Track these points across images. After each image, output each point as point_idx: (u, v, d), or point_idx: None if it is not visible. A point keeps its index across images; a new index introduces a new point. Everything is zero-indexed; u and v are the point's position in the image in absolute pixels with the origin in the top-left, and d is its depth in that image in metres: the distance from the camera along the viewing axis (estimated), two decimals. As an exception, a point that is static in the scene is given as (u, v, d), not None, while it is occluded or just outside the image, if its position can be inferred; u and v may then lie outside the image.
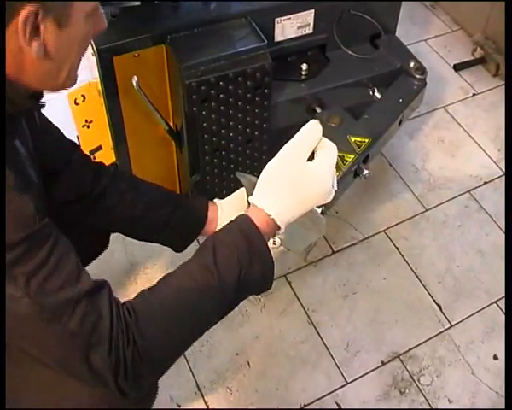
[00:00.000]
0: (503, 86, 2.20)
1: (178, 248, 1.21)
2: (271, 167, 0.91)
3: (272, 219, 0.89)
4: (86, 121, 1.53)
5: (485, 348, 1.56)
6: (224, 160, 1.47)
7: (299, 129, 0.92)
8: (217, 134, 1.40)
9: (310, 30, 1.52)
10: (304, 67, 1.57)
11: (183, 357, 1.49)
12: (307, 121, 0.92)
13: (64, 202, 1.11)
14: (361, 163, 1.44)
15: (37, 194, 0.82)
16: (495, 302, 1.64)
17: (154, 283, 0.87)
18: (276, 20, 1.45)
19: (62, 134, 1.14)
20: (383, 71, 1.65)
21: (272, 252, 0.90)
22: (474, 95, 2.21)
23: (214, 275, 0.84)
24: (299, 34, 1.52)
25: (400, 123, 1.63)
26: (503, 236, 1.77)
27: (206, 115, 1.35)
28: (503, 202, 1.78)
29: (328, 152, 0.92)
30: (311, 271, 1.69)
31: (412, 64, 1.66)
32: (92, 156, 1.50)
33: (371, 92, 1.64)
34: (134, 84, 1.29)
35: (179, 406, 1.44)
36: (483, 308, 1.64)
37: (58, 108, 1.26)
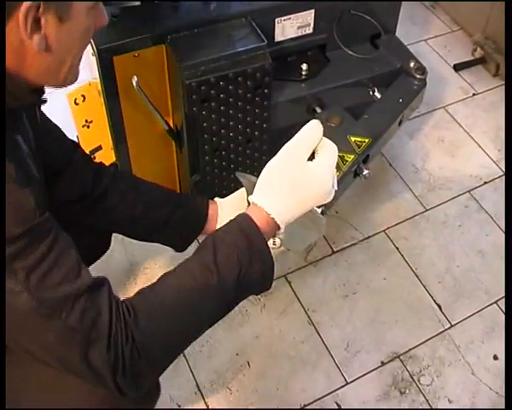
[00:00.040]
0: (503, 86, 2.20)
1: (179, 247, 1.21)
2: (271, 167, 0.91)
3: (272, 218, 0.89)
4: (86, 121, 1.54)
5: (485, 348, 1.56)
6: (224, 160, 1.47)
7: (299, 129, 0.92)
8: (217, 134, 1.40)
9: (310, 30, 1.53)
10: (304, 67, 1.57)
11: (183, 357, 1.49)
12: (307, 121, 0.92)
13: (64, 202, 1.11)
14: (361, 163, 1.44)
15: (38, 188, 0.81)
16: (495, 302, 1.64)
17: (153, 282, 0.87)
18: (276, 20, 1.45)
19: (64, 134, 1.14)
20: (383, 71, 1.65)
21: (272, 252, 0.90)
22: (474, 95, 2.21)
23: (214, 274, 0.84)
24: (300, 34, 1.52)
25: (400, 123, 1.63)
26: (503, 236, 1.77)
27: (206, 115, 1.35)
28: (503, 202, 1.78)
29: (329, 152, 0.92)
30: (311, 271, 1.69)
31: (412, 64, 1.66)
32: (92, 156, 1.50)
33: (371, 92, 1.64)
34: (134, 84, 1.29)
35: (179, 406, 1.44)
36: (483, 308, 1.63)
37: (58, 108, 1.26)
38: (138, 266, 1.67)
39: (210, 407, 1.44)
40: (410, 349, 1.55)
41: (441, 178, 1.93)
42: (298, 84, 1.58)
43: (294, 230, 1.00)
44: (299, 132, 0.91)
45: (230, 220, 0.90)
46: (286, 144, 0.91)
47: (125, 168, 1.50)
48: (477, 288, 1.68)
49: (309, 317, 1.59)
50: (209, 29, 1.35)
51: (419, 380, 1.50)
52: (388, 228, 1.80)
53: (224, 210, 1.17)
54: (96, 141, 1.53)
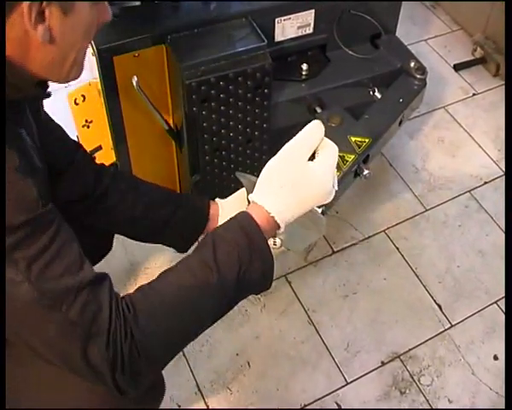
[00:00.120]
0: (503, 86, 2.20)
1: (181, 248, 1.20)
2: (272, 166, 0.90)
3: (272, 217, 0.89)
4: (86, 121, 1.54)
5: (486, 349, 1.56)
6: (224, 160, 1.47)
7: (299, 129, 0.92)
8: (217, 134, 1.40)
9: (310, 30, 1.53)
10: (304, 67, 1.57)
11: (183, 357, 1.49)
12: (307, 121, 0.92)
13: (66, 203, 1.10)
14: (361, 163, 1.44)
15: (42, 179, 0.81)
16: (495, 302, 1.64)
17: (153, 281, 0.86)
18: (277, 20, 1.45)
19: (66, 133, 1.14)
20: (383, 71, 1.65)
21: (272, 251, 0.90)
22: (474, 95, 2.21)
23: (214, 271, 0.84)
24: (300, 34, 1.52)
25: (400, 123, 1.63)
26: (503, 236, 1.77)
27: (206, 115, 1.35)
28: (503, 202, 1.78)
29: (329, 152, 0.92)
30: (311, 271, 1.69)
31: (412, 64, 1.66)
32: (92, 156, 1.50)
33: (371, 92, 1.64)
34: (134, 84, 1.29)
35: (179, 406, 1.44)
36: (483, 308, 1.63)
37: (58, 108, 1.26)
38: (139, 266, 1.67)
39: (210, 407, 1.44)
40: (410, 349, 1.55)
41: (441, 178, 1.93)
42: (298, 84, 1.58)
43: (294, 230, 1.00)
44: (301, 132, 0.91)
45: (231, 218, 0.90)
46: (287, 144, 0.91)
47: (125, 168, 1.50)
48: (477, 288, 1.68)
49: (309, 317, 1.59)
50: (209, 29, 1.35)
51: (419, 380, 1.50)
52: (388, 228, 1.80)
53: (225, 210, 1.17)
54: (96, 141, 1.53)
